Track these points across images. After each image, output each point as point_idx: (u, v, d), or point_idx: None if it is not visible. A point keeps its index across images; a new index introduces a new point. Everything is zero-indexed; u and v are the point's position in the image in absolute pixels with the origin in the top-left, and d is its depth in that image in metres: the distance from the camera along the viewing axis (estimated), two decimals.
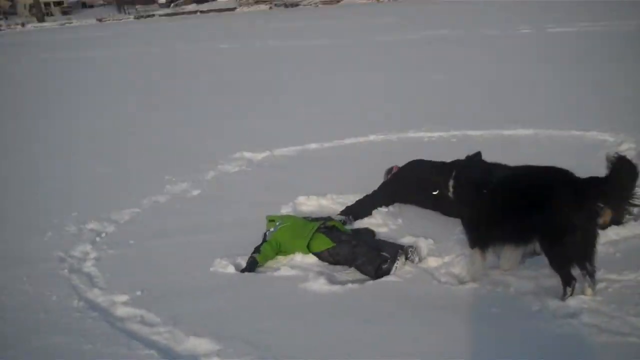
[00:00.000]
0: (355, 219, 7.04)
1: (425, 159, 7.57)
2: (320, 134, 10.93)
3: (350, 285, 5.49)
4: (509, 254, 5.27)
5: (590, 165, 6.40)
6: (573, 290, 4.73)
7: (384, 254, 5.71)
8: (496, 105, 12.40)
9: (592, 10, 28.72)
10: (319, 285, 5.47)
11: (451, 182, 5.42)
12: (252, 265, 5.94)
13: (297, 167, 9.35)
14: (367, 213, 7.16)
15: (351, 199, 7.46)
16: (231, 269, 5.96)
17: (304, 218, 6.57)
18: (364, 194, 7.41)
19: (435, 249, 5.97)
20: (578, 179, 4.73)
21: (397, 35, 26.76)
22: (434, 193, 6.85)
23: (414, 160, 7.56)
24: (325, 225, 6.19)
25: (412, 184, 7.15)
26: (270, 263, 6.11)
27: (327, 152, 10.21)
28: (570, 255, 4.70)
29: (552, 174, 4.86)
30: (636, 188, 4.52)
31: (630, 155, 7.93)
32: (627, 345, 4.21)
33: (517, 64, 17.22)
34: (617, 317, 4.55)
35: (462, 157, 5.70)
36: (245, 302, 5.37)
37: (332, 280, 5.60)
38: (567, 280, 4.73)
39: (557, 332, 4.46)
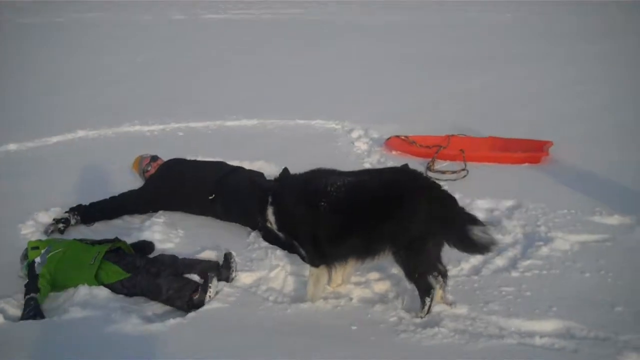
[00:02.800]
0: (84, 222, 6.07)
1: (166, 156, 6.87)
2: (16, 133, 9.24)
3: (171, 320, 4.55)
4: (349, 269, 4.82)
5: (331, 152, 6.38)
6: (432, 299, 4.42)
7: (193, 279, 4.85)
8: (212, 97, 11.81)
9: None
10: (132, 326, 4.45)
11: (270, 210, 4.72)
12: (35, 310, 4.66)
13: (6, 173, 7.75)
14: (106, 217, 6.22)
15: None
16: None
17: (80, 240, 5.36)
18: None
19: (241, 261, 5.29)
20: (428, 180, 4.51)
21: None
22: (210, 198, 6.15)
23: (174, 160, 6.75)
24: (112, 249, 5.11)
25: (181, 187, 6.32)
26: (45, 303, 4.88)
27: (33, 152, 8.69)
28: (429, 263, 4.41)
29: (401, 178, 4.52)
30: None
31: (363, 142, 8.21)
32: (507, 347, 4.07)
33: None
34: (477, 318, 4.42)
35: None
36: None
37: (144, 317, 4.61)
38: (427, 290, 4.40)
39: (429, 343, 4.16)
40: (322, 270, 4.65)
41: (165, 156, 6.94)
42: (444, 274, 4.53)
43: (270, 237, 5.60)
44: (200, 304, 4.66)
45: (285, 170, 4.91)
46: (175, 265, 5.05)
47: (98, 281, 4.93)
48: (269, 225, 4.81)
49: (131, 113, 10.20)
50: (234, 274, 5.05)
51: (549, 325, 4.33)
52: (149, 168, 6.69)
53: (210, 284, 4.73)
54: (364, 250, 4.48)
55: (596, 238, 5.56)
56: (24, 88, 12.70)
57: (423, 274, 4.39)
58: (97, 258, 4.94)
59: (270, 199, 4.71)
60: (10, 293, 4.97)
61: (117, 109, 10.59)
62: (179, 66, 14.85)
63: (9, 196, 6.89)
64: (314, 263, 4.67)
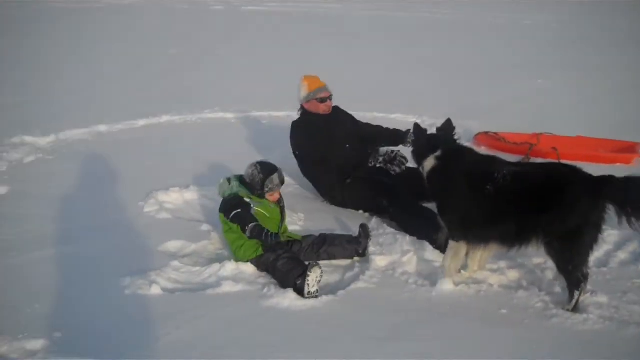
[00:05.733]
0: None
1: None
2: (107, 115, 9.54)
3: (324, 297, 4.75)
4: (486, 254, 5.01)
5: None
6: (582, 292, 4.54)
7: (302, 265, 4.93)
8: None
9: None
10: (290, 300, 4.66)
11: (431, 161, 4.93)
12: (273, 235, 4.99)
13: (104, 154, 7.98)
14: None
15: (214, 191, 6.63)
16: (156, 289, 4.80)
17: None
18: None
19: (371, 245, 5.48)
20: (590, 176, 4.53)
21: None
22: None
23: None
24: None
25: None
26: (191, 277, 5.09)
27: (125, 135, 8.98)
28: (583, 256, 4.53)
29: (562, 171, 4.64)
30: None
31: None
32: None
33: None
34: (619, 307, 4.58)
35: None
36: (208, 332, 4.33)
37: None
38: (577, 283, 4.52)
39: (582, 328, 4.34)
40: (461, 246, 4.86)
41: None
42: (586, 277, 4.60)
43: (399, 218, 5.81)
44: (300, 290, 4.73)
45: (449, 121, 5.11)
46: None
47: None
48: (421, 169, 5.04)
49: (210, 100, 10.40)
50: (369, 243, 5.31)
51: None
52: None
53: (309, 272, 4.75)
54: (514, 237, 4.64)
55: None
56: (93, 74, 12.94)
57: (576, 266, 4.51)
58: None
59: (439, 153, 4.90)
60: (157, 267, 5.14)
61: (196, 96, 10.78)
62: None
63: (122, 176, 7.08)
64: (455, 237, 4.87)
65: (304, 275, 4.76)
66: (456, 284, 4.89)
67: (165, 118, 9.69)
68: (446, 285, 4.86)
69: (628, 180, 4.41)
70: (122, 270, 5.06)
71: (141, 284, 4.84)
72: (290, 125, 6.56)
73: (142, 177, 7.03)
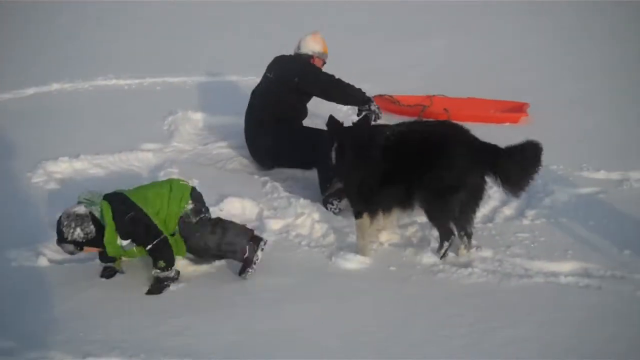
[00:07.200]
0: None
1: None
2: None
3: (216, 262, 4.78)
4: (392, 219, 5.10)
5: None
6: (450, 245, 4.77)
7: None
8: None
9: None
10: (182, 267, 4.67)
11: (333, 155, 5.10)
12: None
13: None
14: None
15: (111, 159, 6.53)
16: (44, 261, 4.71)
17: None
18: (122, 151, 6.59)
19: (265, 209, 5.53)
20: (475, 139, 4.71)
21: None
22: None
23: None
24: None
25: None
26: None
27: (13, 104, 8.60)
28: (451, 211, 4.71)
29: (445, 131, 4.78)
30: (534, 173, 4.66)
31: None
32: (537, 285, 4.47)
33: None
34: (503, 260, 4.79)
35: None
36: (99, 300, 4.31)
37: (192, 260, 4.81)
38: (447, 235, 4.75)
39: (467, 282, 4.52)
40: (365, 220, 4.90)
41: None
42: (469, 235, 4.83)
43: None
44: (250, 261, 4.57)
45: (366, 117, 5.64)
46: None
47: None
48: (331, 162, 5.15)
49: (104, 67, 10.07)
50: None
51: (568, 266, 4.72)
52: None
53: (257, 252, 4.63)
54: (407, 198, 4.78)
55: (589, 191, 5.93)
56: None
57: (447, 220, 4.73)
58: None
59: (335, 145, 5.07)
60: (45, 238, 5.00)
61: (88, 63, 10.42)
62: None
63: (10, 146, 6.83)
64: (357, 209, 4.94)
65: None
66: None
67: (55, 86, 9.30)
68: (365, 262, 4.88)
69: (508, 153, 4.63)
70: (8, 243, 4.93)
71: (28, 256, 4.76)
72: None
73: (30, 148, 6.79)
